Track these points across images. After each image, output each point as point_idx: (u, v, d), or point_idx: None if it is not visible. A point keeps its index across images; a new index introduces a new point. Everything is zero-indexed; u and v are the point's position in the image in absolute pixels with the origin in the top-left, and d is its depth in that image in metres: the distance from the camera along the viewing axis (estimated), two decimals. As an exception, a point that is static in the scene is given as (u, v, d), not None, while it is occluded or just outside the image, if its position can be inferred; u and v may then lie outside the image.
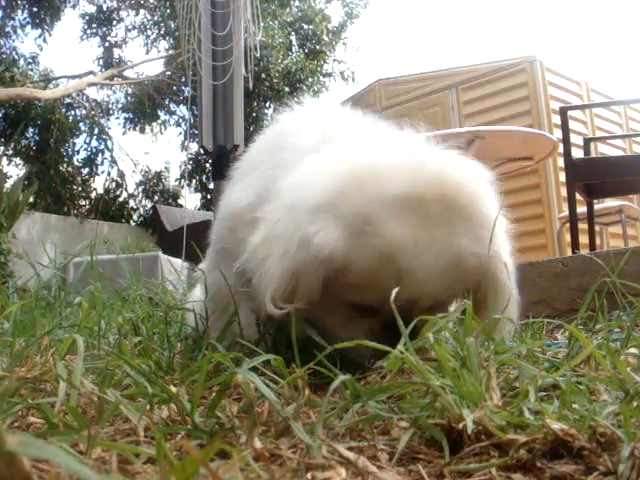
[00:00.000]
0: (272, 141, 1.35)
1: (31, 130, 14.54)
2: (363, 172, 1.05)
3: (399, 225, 1.01)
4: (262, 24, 6.10)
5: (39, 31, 14.52)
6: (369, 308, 1.08)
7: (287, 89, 13.87)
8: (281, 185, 1.13)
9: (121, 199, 15.34)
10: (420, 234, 1.00)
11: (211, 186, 13.95)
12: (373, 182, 1.03)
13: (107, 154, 15.24)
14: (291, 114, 1.40)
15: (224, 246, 1.32)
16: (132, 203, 15.47)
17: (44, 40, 14.69)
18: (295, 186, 1.10)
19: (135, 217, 15.39)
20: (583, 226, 4.35)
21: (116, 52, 15.60)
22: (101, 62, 15.34)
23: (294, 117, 1.38)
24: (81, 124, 15.14)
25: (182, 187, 15.82)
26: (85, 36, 15.29)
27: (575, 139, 4.62)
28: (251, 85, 5.77)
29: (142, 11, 15.44)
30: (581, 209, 4.48)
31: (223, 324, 1.19)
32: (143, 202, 15.51)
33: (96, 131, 15.21)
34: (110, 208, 14.78)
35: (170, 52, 14.59)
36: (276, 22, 14.15)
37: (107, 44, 15.43)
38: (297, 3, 15.38)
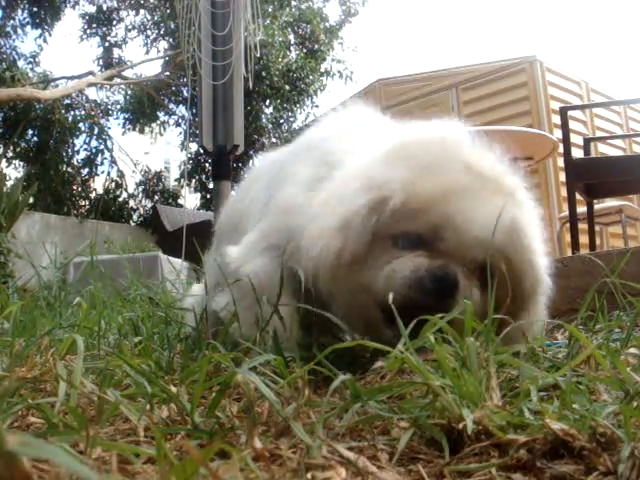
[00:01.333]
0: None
1: (30, 131, 14.52)
2: (430, 137, 1.21)
3: (460, 171, 1.13)
4: (263, 23, 6.10)
5: (39, 31, 14.53)
6: (417, 241, 1.11)
7: (287, 87, 13.87)
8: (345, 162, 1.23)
9: (121, 199, 15.33)
10: (475, 183, 1.12)
11: (211, 186, 13.95)
12: (440, 143, 1.18)
13: (107, 154, 15.25)
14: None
15: (276, 242, 1.29)
16: (132, 203, 15.45)
17: (44, 40, 14.69)
18: (360, 154, 1.22)
19: (135, 217, 15.37)
20: (583, 226, 4.34)
21: (116, 52, 15.59)
22: (101, 62, 15.33)
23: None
24: (81, 124, 15.13)
25: (182, 187, 15.82)
26: (85, 36, 15.28)
27: (575, 139, 4.62)
28: (251, 85, 5.76)
29: (142, 11, 15.43)
30: (581, 209, 4.48)
31: (256, 316, 1.19)
32: (143, 202, 15.50)
33: (96, 131, 15.20)
34: (110, 208, 14.76)
35: (170, 52, 14.57)
36: (275, 22, 14.13)
37: (107, 44, 15.42)
38: (294, 3, 15.35)
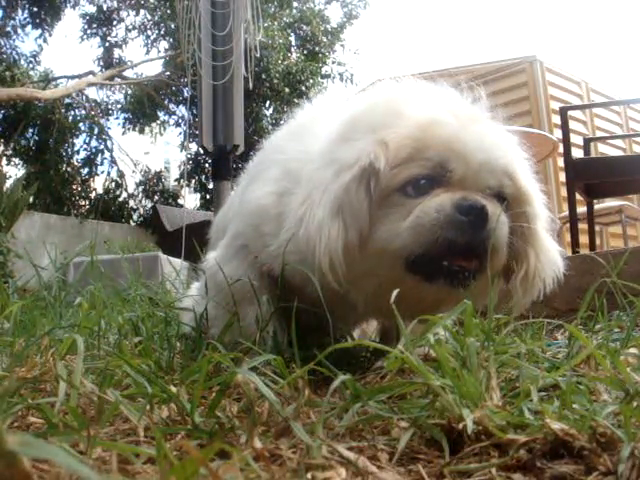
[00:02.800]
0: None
1: (31, 130, 14.53)
2: (373, 99, 1.20)
3: (423, 108, 1.11)
4: (263, 24, 6.10)
5: (39, 31, 14.53)
6: (427, 183, 1.08)
7: (287, 90, 13.86)
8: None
9: (121, 199, 15.33)
10: (445, 114, 1.10)
11: (211, 186, 13.94)
12: (386, 99, 1.17)
13: (107, 154, 15.25)
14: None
15: (244, 242, 1.32)
16: (132, 203, 15.45)
17: (44, 40, 14.70)
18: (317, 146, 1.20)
19: (135, 217, 15.38)
20: (583, 226, 4.34)
21: (116, 52, 15.60)
22: (101, 62, 15.34)
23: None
24: (81, 124, 15.13)
25: (182, 187, 15.82)
26: (85, 36, 15.29)
27: (575, 139, 4.62)
28: (251, 85, 5.76)
29: (142, 11, 15.42)
30: (581, 209, 4.47)
31: (236, 317, 1.21)
32: (143, 202, 15.50)
33: (96, 131, 15.20)
34: (110, 208, 14.76)
35: (170, 52, 14.57)
36: (275, 23, 14.13)
37: (107, 44, 15.42)
38: (296, 4, 15.36)
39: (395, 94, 1.19)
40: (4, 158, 13.81)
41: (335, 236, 1.05)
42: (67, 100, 14.46)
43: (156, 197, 15.52)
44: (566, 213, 4.64)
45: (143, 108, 15.19)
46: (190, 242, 2.13)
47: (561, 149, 4.31)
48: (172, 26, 14.10)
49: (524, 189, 1.15)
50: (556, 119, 6.95)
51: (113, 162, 15.25)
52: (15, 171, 14.58)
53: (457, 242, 1.04)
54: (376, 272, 1.11)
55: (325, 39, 14.92)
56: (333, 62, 15.30)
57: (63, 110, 14.38)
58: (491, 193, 1.11)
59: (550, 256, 1.18)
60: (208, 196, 14.89)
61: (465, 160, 1.08)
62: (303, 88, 14.17)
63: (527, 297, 1.18)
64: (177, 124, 15.98)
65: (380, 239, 1.08)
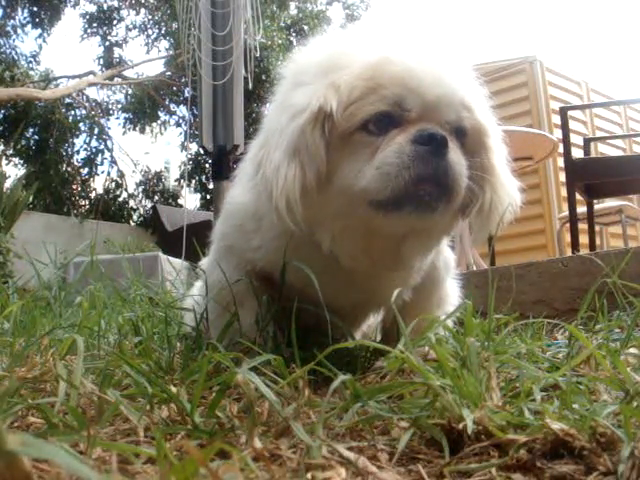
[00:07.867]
0: None
1: (31, 130, 14.52)
2: (330, 44, 1.18)
3: (370, 45, 1.11)
4: (262, 24, 6.10)
5: (39, 31, 14.53)
6: (388, 120, 1.07)
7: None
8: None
9: (121, 199, 15.33)
10: (397, 49, 1.10)
11: (211, 186, 13.94)
12: (343, 44, 1.16)
13: (107, 154, 15.24)
14: None
15: (229, 243, 1.34)
16: (132, 203, 15.45)
17: (44, 40, 14.70)
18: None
19: (135, 217, 15.37)
20: (583, 226, 4.34)
21: (116, 52, 15.59)
22: (101, 62, 15.34)
23: None
24: (81, 124, 15.13)
25: (182, 187, 15.82)
26: (85, 36, 15.28)
27: (575, 139, 4.62)
28: (251, 85, 5.76)
29: (142, 10, 15.43)
30: (581, 209, 4.47)
31: (226, 321, 1.22)
32: (143, 202, 15.50)
33: (96, 131, 15.20)
34: (110, 208, 14.76)
35: (170, 52, 14.58)
36: (275, 24, 14.13)
37: (107, 44, 15.42)
38: (295, 4, 15.38)
39: (345, 37, 1.20)
40: (4, 158, 13.80)
41: (292, 177, 1.04)
42: (67, 100, 14.44)
43: (156, 197, 15.51)
44: (566, 213, 4.65)
45: (143, 108, 15.17)
46: (190, 242, 2.13)
47: (561, 149, 4.31)
48: (173, 25, 14.09)
49: (482, 121, 1.15)
50: (556, 119, 6.95)
51: (113, 162, 15.25)
52: (15, 171, 14.58)
53: (423, 175, 1.03)
54: (342, 212, 1.10)
55: (326, 39, 14.92)
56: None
57: (63, 110, 14.36)
58: (450, 128, 1.10)
59: (506, 189, 1.18)
60: (208, 196, 14.88)
61: (421, 96, 1.06)
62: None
63: (484, 230, 1.18)
64: (177, 124, 15.98)
65: (345, 178, 1.08)
